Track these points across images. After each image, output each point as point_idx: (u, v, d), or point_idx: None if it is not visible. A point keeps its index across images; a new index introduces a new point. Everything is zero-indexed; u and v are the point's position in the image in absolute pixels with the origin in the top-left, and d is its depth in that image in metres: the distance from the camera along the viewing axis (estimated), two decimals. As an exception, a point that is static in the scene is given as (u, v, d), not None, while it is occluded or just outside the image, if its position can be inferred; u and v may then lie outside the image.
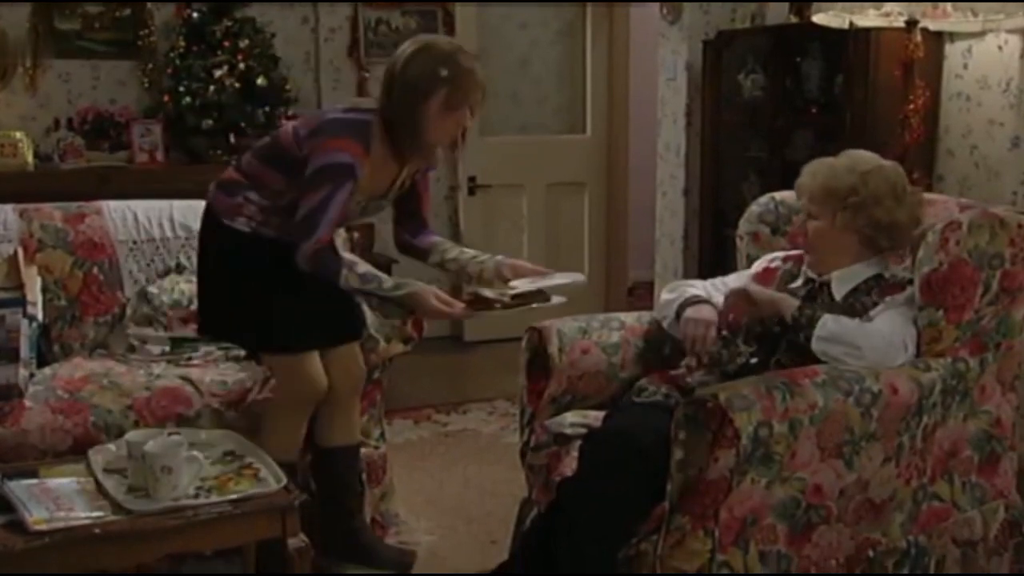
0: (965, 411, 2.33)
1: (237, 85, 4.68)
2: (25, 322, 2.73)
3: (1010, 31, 3.46)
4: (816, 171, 2.44)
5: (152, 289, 3.16)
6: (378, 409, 3.01)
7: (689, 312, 2.48)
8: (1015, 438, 2.45)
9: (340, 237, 2.96)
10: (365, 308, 2.81)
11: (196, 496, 2.15)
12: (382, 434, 3.04)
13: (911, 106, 3.41)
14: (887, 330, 2.26)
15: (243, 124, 4.67)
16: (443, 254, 2.75)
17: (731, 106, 4.40)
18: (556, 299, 2.54)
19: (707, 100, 4.52)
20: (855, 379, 2.13)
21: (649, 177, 5.20)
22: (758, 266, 2.66)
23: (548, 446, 2.51)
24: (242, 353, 2.92)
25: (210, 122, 4.65)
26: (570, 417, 2.53)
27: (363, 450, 2.87)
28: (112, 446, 2.36)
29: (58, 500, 2.11)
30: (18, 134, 4.48)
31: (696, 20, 4.65)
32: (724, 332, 2.45)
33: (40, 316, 2.90)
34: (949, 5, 3.34)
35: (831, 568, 2.19)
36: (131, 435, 2.26)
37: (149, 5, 4.85)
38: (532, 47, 5.77)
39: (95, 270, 3.15)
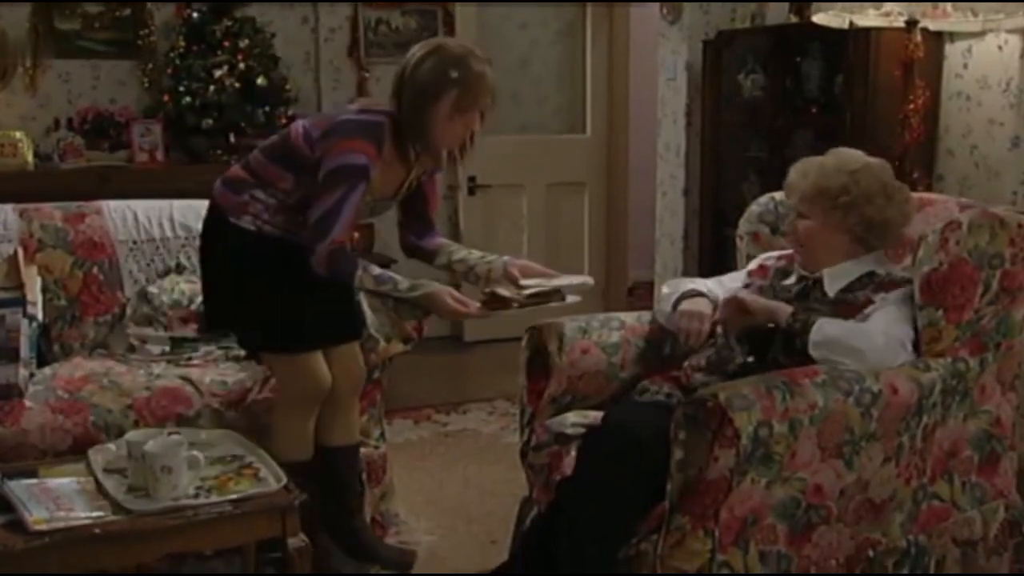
0: (965, 411, 2.33)
1: (237, 85, 4.68)
2: (25, 322, 2.74)
3: (1010, 31, 3.46)
4: (806, 170, 2.44)
5: (152, 289, 3.15)
6: (378, 409, 3.01)
7: (684, 305, 2.49)
8: (1015, 438, 2.45)
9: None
10: (365, 308, 2.82)
11: (196, 496, 2.15)
12: (382, 434, 3.04)
13: (911, 106, 3.41)
14: (886, 329, 2.26)
15: (243, 124, 4.67)
16: (450, 255, 2.75)
17: (731, 106, 4.40)
18: (571, 298, 2.54)
19: (707, 100, 4.53)
20: (855, 379, 2.13)
21: (649, 177, 5.20)
22: (754, 264, 2.67)
23: (549, 446, 2.51)
24: (242, 353, 2.92)
25: (210, 122, 4.65)
26: (571, 417, 2.53)
27: (363, 450, 2.87)
28: (112, 446, 2.36)
29: (58, 500, 2.11)
30: (18, 134, 4.48)
31: (696, 20, 4.65)
32: (719, 335, 2.45)
33: (40, 316, 2.90)
34: (949, 5, 3.34)
35: (831, 568, 2.19)
36: (131, 435, 2.26)
37: (149, 5, 4.85)
38: (532, 47, 5.77)
39: (95, 270, 3.15)
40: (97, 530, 2.03)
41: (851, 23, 3.55)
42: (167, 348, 3.06)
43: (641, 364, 2.67)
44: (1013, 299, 2.32)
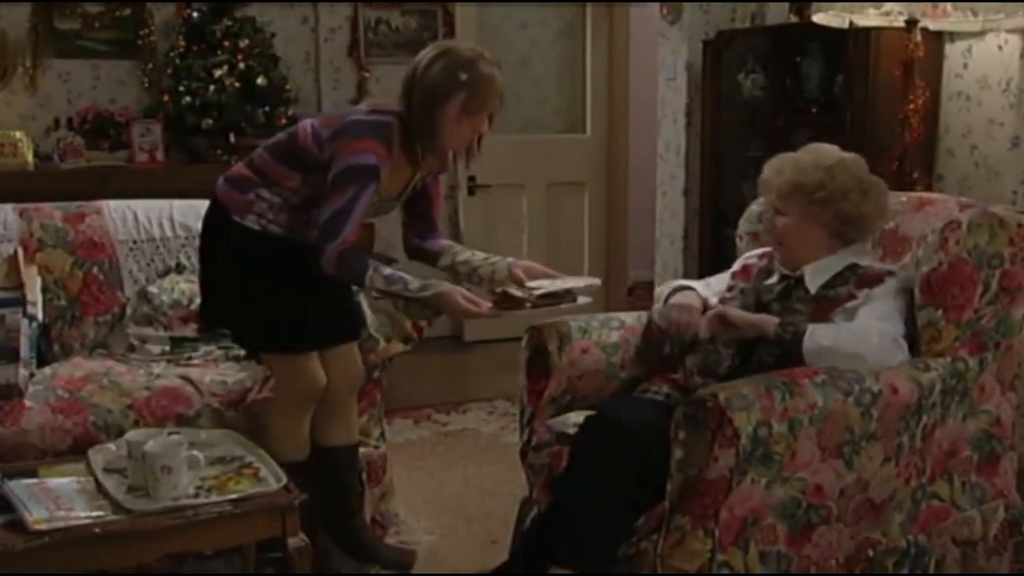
0: (965, 411, 2.33)
1: (237, 85, 4.68)
2: (25, 322, 2.73)
3: (1010, 31, 3.47)
4: (781, 168, 2.44)
5: (152, 289, 3.15)
6: (378, 409, 3.01)
7: (674, 299, 2.52)
8: (1015, 438, 2.45)
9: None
10: (365, 308, 2.81)
11: (196, 496, 2.15)
12: (382, 434, 3.04)
13: (911, 106, 3.42)
14: (878, 328, 2.25)
15: (243, 124, 4.68)
16: (453, 257, 2.74)
17: (731, 106, 4.40)
18: (583, 299, 2.54)
19: (707, 100, 4.53)
20: (855, 379, 2.12)
21: (649, 177, 5.21)
22: (737, 265, 2.68)
23: (549, 446, 2.51)
24: (242, 353, 2.92)
25: (210, 122, 4.65)
26: (573, 417, 2.54)
27: (363, 450, 2.87)
28: (112, 446, 2.36)
29: (58, 500, 2.11)
30: (18, 134, 4.48)
31: (696, 20, 4.65)
32: (704, 340, 2.45)
33: (40, 316, 2.90)
34: (949, 5, 3.34)
35: (831, 568, 2.19)
36: (131, 435, 2.26)
37: (149, 5, 4.85)
38: (532, 47, 5.77)
39: (95, 270, 3.15)
40: (97, 530, 2.03)
41: (851, 23, 3.56)
42: (167, 348, 3.06)
43: (641, 364, 2.67)
44: (1013, 299, 2.32)
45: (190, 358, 3.01)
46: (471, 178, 5.42)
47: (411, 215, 2.79)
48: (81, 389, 2.71)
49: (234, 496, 2.16)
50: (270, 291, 2.56)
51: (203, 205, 2.70)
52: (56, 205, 3.21)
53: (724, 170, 4.50)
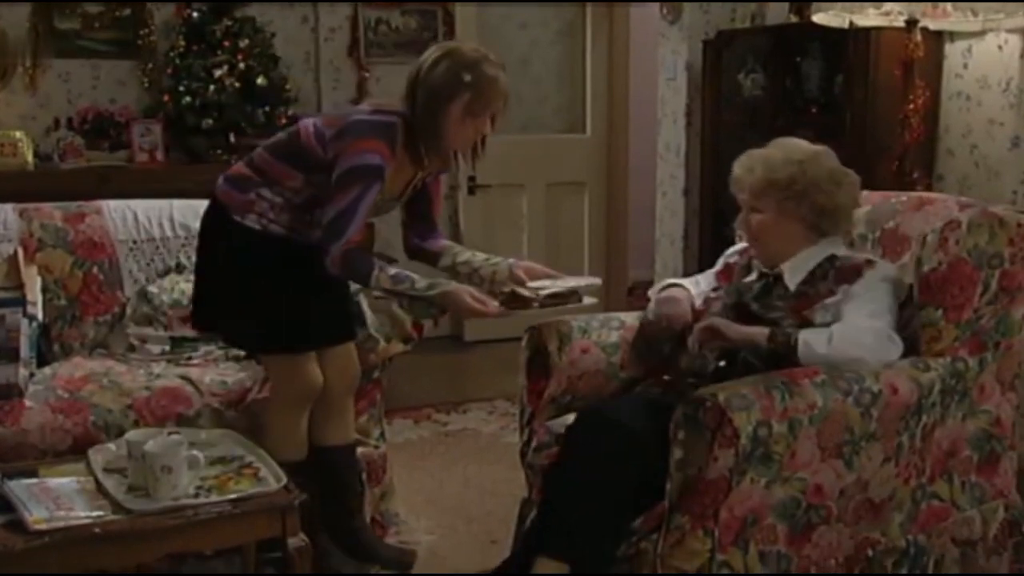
0: (964, 411, 2.33)
1: (237, 85, 4.68)
2: (25, 322, 2.73)
3: (1010, 31, 3.47)
4: (752, 165, 2.44)
5: (152, 289, 3.16)
6: (378, 409, 3.01)
7: (662, 294, 2.57)
8: (1015, 438, 2.45)
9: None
10: (365, 308, 2.81)
11: (196, 496, 2.15)
12: (382, 434, 3.04)
13: (911, 106, 3.42)
14: (870, 326, 2.24)
15: (243, 124, 4.67)
16: (454, 257, 2.74)
17: (731, 106, 4.40)
18: (588, 299, 2.54)
19: (707, 100, 4.53)
20: (855, 379, 2.13)
21: (649, 177, 5.21)
22: (720, 264, 2.69)
23: (549, 446, 2.51)
24: (242, 353, 2.92)
25: (210, 122, 4.65)
26: (572, 418, 2.53)
27: (363, 450, 2.88)
28: (112, 446, 2.36)
29: (58, 500, 2.11)
30: (18, 134, 4.48)
31: (696, 20, 4.66)
32: (692, 344, 2.45)
33: (40, 316, 2.90)
34: (949, 5, 3.35)
35: (831, 568, 2.19)
36: (131, 435, 2.26)
37: (149, 5, 4.85)
38: (532, 47, 5.77)
39: (95, 270, 3.15)
40: (97, 530, 2.03)
41: (851, 23, 3.56)
42: (167, 348, 3.06)
43: (638, 365, 2.67)
44: (1012, 299, 2.32)
45: (190, 358, 3.01)
46: (471, 178, 5.42)
47: (411, 215, 2.79)
48: (81, 389, 2.71)
49: (234, 496, 2.16)
50: (271, 291, 2.56)
51: (203, 205, 2.69)
52: (56, 205, 3.22)
53: (724, 170, 4.42)
